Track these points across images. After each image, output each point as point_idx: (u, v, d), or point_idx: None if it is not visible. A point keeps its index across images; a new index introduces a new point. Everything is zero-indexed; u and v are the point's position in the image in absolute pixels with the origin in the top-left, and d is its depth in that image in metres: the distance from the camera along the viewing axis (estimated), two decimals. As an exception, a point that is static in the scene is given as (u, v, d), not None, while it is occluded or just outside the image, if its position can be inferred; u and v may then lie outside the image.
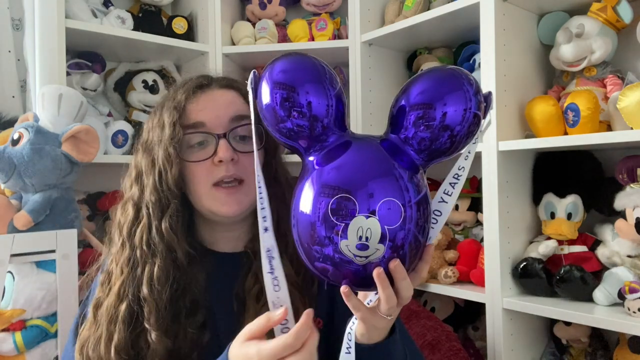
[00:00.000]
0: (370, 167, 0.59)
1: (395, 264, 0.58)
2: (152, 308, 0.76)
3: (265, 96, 0.61)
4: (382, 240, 0.57)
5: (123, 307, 0.78)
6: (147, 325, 0.76)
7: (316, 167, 0.61)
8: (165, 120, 0.81)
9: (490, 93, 0.62)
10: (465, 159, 0.63)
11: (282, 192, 0.85)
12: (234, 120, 0.82)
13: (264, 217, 0.63)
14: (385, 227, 0.57)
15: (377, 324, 0.65)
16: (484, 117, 0.61)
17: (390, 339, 0.69)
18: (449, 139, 0.59)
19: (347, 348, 0.67)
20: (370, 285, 0.60)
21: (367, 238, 0.56)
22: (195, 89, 0.83)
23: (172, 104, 0.82)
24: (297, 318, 0.77)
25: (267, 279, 0.63)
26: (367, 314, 0.64)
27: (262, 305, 0.78)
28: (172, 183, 0.79)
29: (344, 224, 0.56)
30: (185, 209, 0.83)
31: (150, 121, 0.86)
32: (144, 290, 0.77)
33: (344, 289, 0.61)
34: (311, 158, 0.62)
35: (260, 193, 0.64)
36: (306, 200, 0.59)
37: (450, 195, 0.64)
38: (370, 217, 0.56)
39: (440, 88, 0.59)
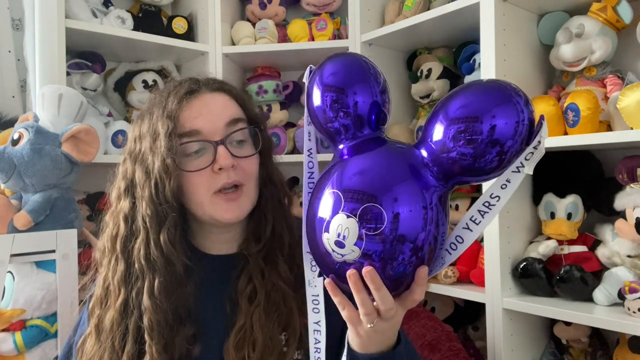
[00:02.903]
0: (388, 174, 0.58)
1: (368, 270, 0.56)
2: (154, 322, 0.75)
3: (317, 98, 0.64)
4: (357, 242, 0.56)
5: (125, 322, 0.77)
6: (148, 339, 0.75)
7: (345, 157, 0.63)
8: (159, 129, 0.78)
9: (542, 117, 0.55)
10: (503, 188, 0.56)
11: (277, 194, 0.85)
12: (229, 125, 0.80)
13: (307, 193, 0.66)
14: (364, 231, 0.56)
15: (361, 330, 0.64)
16: (530, 143, 0.54)
17: (392, 353, 0.67)
18: (497, 157, 0.54)
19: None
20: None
21: (344, 237, 0.56)
22: (186, 95, 0.80)
23: (164, 113, 0.79)
24: (292, 316, 0.78)
25: (305, 258, 0.67)
26: (352, 314, 0.63)
27: (255, 306, 0.78)
28: (170, 195, 0.76)
29: (328, 218, 0.58)
30: (182, 218, 0.81)
31: (137, 128, 0.82)
32: (145, 303, 0.76)
33: (327, 281, 0.62)
34: (341, 146, 0.64)
35: (312, 171, 0.67)
36: (326, 203, 0.60)
37: (477, 224, 0.59)
38: (350, 217, 0.56)
39: (486, 100, 0.54)
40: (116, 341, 0.77)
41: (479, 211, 0.58)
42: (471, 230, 0.59)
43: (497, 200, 0.57)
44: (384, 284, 0.58)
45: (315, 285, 0.66)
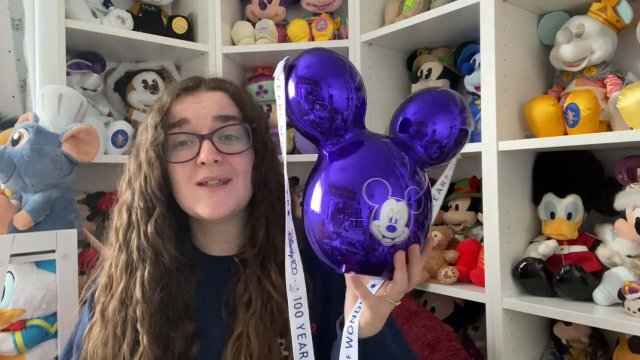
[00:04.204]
0: (373, 167, 0.63)
1: (416, 248, 0.62)
2: (144, 312, 0.76)
3: (291, 90, 0.65)
4: (407, 223, 0.61)
5: (125, 311, 0.78)
6: (139, 329, 0.76)
7: (328, 160, 0.65)
8: (149, 122, 0.80)
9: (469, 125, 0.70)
10: (450, 170, 0.73)
11: (270, 197, 0.84)
12: (219, 120, 0.80)
13: (287, 201, 0.65)
14: (412, 212, 0.62)
15: (383, 310, 0.67)
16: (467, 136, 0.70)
17: (383, 330, 0.70)
18: (438, 150, 0.68)
19: (348, 342, 0.66)
20: (376, 271, 0.63)
21: (396, 220, 0.60)
22: (181, 91, 0.82)
23: (157, 106, 0.81)
24: (287, 325, 0.77)
25: (286, 261, 0.65)
26: (376, 301, 0.65)
27: (251, 314, 0.78)
28: (155, 187, 0.78)
29: (377, 205, 0.60)
30: (176, 212, 0.82)
31: (142, 124, 0.85)
32: (137, 294, 0.77)
33: (351, 275, 0.63)
34: (325, 151, 0.66)
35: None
36: (316, 199, 0.63)
37: (436, 200, 0.73)
38: (400, 200, 0.61)
39: (430, 109, 0.68)
40: (118, 329, 0.78)
41: (437, 189, 0.74)
42: (433, 207, 0.71)
43: (447, 179, 0.74)
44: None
45: (297, 288, 0.65)
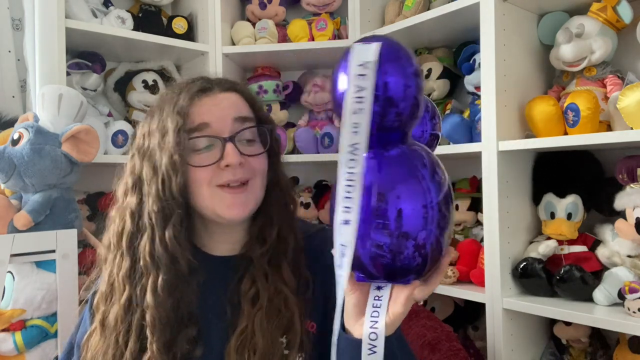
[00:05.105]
0: (398, 172, 0.60)
1: (450, 251, 0.65)
2: (155, 318, 0.75)
3: (342, 84, 0.58)
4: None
5: (129, 319, 0.77)
6: (149, 336, 0.75)
7: (365, 164, 0.60)
8: (168, 125, 0.78)
9: None
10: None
11: (283, 197, 0.84)
12: (238, 121, 0.80)
13: (348, 207, 0.58)
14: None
15: (407, 311, 0.66)
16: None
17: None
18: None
19: (372, 348, 0.64)
20: (400, 275, 0.63)
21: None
22: (198, 93, 0.81)
23: (174, 109, 0.79)
24: (293, 321, 0.77)
25: (340, 286, 0.63)
26: (411, 304, 0.66)
27: (257, 310, 0.77)
28: (176, 191, 0.76)
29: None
30: (187, 215, 0.81)
31: (147, 125, 0.83)
32: (148, 300, 0.76)
33: (416, 283, 0.63)
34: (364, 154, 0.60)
35: (352, 180, 0.58)
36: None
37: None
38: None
39: None
40: (120, 337, 0.77)
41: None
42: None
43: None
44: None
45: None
